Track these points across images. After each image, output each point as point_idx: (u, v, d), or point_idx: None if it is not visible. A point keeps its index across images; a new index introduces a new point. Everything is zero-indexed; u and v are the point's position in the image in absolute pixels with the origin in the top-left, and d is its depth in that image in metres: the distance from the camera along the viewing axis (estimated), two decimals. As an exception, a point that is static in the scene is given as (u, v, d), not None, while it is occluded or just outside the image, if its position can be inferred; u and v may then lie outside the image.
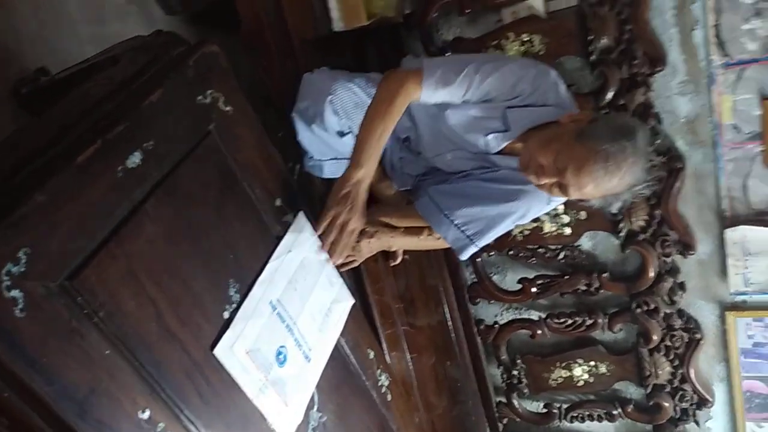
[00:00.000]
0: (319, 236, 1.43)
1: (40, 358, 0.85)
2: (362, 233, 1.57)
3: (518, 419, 2.49)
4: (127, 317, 0.97)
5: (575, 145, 1.29)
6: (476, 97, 1.48)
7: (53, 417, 0.88)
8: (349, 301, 1.54)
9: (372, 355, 1.61)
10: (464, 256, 1.62)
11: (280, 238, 1.32)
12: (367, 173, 1.42)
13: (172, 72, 1.07)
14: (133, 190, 0.99)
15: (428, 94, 1.46)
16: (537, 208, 1.56)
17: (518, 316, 2.39)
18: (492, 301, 2.38)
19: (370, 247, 1.64)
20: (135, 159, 0.99)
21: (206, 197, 1.14)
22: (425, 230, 1.68)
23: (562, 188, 1.34)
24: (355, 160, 1.43)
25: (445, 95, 1.47)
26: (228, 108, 1.17)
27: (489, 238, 1.59)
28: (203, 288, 1.12)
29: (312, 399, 1.37)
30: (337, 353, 1.47)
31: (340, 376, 1.48)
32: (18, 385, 0.85)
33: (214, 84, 1.14)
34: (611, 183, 1.30)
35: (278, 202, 1.31)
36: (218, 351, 1.13)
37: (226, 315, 1.16)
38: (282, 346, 1.29)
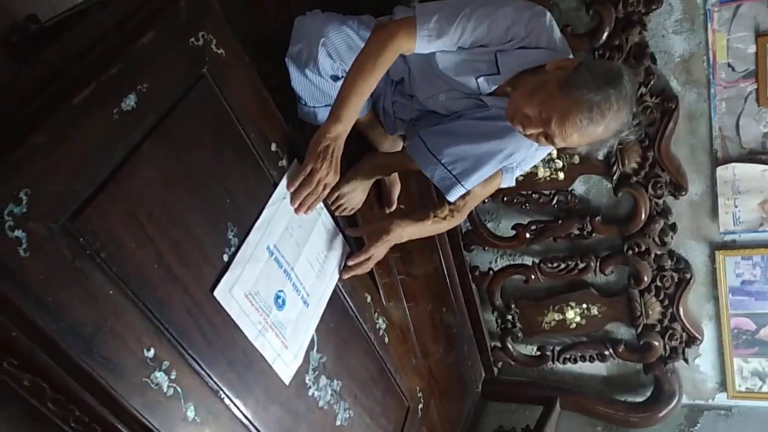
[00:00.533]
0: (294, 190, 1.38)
1: (46, 297, 0.87)
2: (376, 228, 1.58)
3: (512, 362, 2.56)
4: (128, 258, 0.99)
5: (559, 96, 1.29)
6: (469, 43, 1.47)
7: (61, 354, 0.91)
8: (344, 248, 1.56)
9: (369, 299, 1.64)
10: (452, 197, 1.61)
11: (275, 184, 1.33)
12: (345, 128, 1.38)
13: (164, 14, 1.05)
14: (129, 133, 0.99)
15: (422, 45, 1.45)
16: (525, 148, 1.56)
17: (512, 262, 2.43)
18: (486, 248, 2.41)
19: (386, 247, 1.62)
20: (130, 101, 0.98)
21: (202, 140, 1.14)
22: (431, 215, 1.65)
23: (548, 138, 1.34)
24: (334, 113, 1.38)
25: (439, 45, 1.46)
26: (221, 50, 1.16)
27: (476, 179, 1.57)
28: (202, 230, 1.13)
29: (312, 340, 1.40)
30: (335, 296, 1.50)
31: (339, 319, 1.51)
32: (26, 324, 0.87)
33: (206, 26, 1.13)
34: (596, 132, 1.31)
35: (273, 147, 1.32)
36: (218, 293, 1.16)
37: (225, 258, 1.17)
38: (280, 291, 1.32)
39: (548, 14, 1.46)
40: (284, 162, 1.35)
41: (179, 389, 1.07)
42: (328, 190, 1.40)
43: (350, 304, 1.56)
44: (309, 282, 1.40)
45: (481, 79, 1.50)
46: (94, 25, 1.09)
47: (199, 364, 1.11)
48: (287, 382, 1.33)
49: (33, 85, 0.95)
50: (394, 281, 2.02)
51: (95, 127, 0.94)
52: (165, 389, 1.05)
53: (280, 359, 1.31)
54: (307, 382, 1.38)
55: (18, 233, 0.83)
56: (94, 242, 0.93)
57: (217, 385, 1.16)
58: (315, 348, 1.41)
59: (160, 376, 1.04)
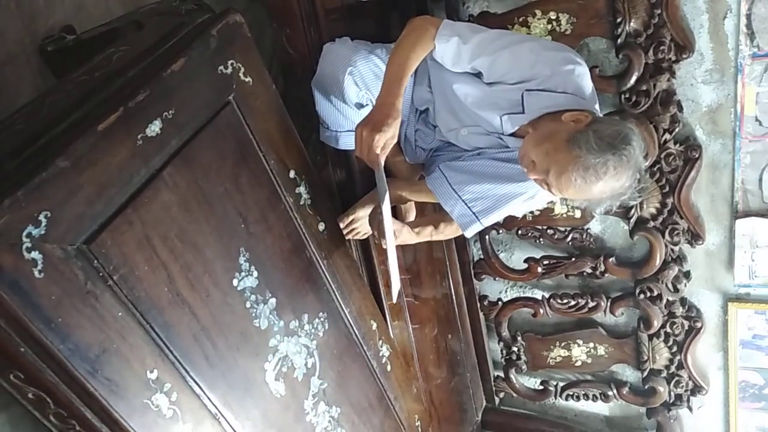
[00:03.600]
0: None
1: (56, 317, 0.89)
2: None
3: (515, 394, 2.54)
4: (140, 281, 1.00)
5: (563, 150, 1.31)
6: (487, 68, 1.47)
7: (66, 373, 0.93)
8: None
9: (375, 326, 1.65)
10: (469, 233, 1.64)
11: (291, 209, 1.34)
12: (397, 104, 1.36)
13: (195, 41, 1.07)
14: (151, 158, 1.01)
15: (442, 42, 1.46)
16: (545, 191, 1.57)
17: (522, 294, 2.42)
18: (497, 278, 2.40)
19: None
20: (155, 127, 1.00)
21: (222, 166, 1.15)
22: (430, 227, 1.70)
23: (548, 186, 1.37)
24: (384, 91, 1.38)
25: (456, 48, 1.46)
26: (248, 79, 1.17)
27: (495, 218, 1.60)
28: (214, 255, 1.14)
29: (314, 366, 1.41)
30: (341, 323, 1.51)
31: (342, 346, 1.52)
32: (34, 342, 0.89)
33: (236, 54, 1.14)
34: (590, 191, 1.32)
35: (292, 174, 1.33)
36: None
37: (235, 282, 1.19)
38: None
39: (579, 67, 1.44)
40: (301, 189, 1.36)
41: (179, 411, 1.09)
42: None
43: (355, 331, 1.56)
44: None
45: (505, 118, 1.50)
46: (127, 46, 1.10)
47: (200, 387, 1.13)
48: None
49: (62, 106, 0.97)
50: (401, 302, 2.03)
51: (119, 152, 0.95)
52: (165, 411, 1.06)
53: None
54: (305, 408, 1.39)
55: (34, 254, 0.85)
56: (107, 265, 0.95)
57: (216, 408, 1.17)
58: (316, 374, 1.42)
59: (160, 397, 1.05)
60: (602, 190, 1.32)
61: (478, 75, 1.53)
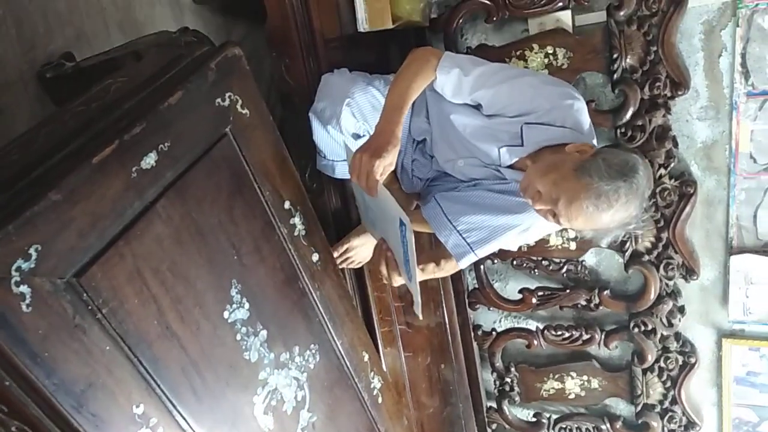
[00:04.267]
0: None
1: (42, 352, 0.87)
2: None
3: (507, 425, 2.52)
4: (129, 315, 0.99)
5: (572, 178, 1.30)
6: (488, 100, 1.48)
7: (50, 408, 0.90)
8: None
9: (367, 357, 1.63)
10: (463, 264, 1.63)
11: (285, 240, 1.34)
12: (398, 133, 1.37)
13: (194, 75, 1.06)
14: (145, 191, 1.00)
15: (444, 73, 1.48)
16: (542, 223, 1.57)
17: (516, 325, 2.41)
18: (491, 308, 2.39)
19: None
20: (150, 160, 0.99)
21: (217, 198, 1.15)
22: (432, 264, 1.68)
23: (555, 217, 1.36)
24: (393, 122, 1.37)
25: (457, 79, 1.48)
26: (245, 111, 1.17)
27: (489, 249, 1.60)
28: (206, 287, 1.13)
29: (304, 399, 1.39)
30: (332, 355, 1.49)
31: (333, 378, 1.50)
32: (18, 376, 0.87)
33: (233, 87, 1.14)
34: (601, 220, 1.31)
35: (287, 205, 1.32)
36: None
37: (226, 315, 1.17)
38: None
39: (577, 102, 1.46)
40: (296, 219, 1.36)
41: (164, 446, 1.07)
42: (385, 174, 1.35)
43: (347, 362, 1.54)
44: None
45: (503, 150, 1.51)
46: (125, 77, 1.10)
47: (186, 422, 1.11)
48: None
49: (59, 136, 0.97)
50: (394, 330, 2.02)
51: (113, 185, 0.94)
52: (150, 446, 1.04)
53: None
54: (294, 442, 1.37)
55: (23, 288, 0.84)
56: (97, 298, 0.93)
57: (203, 443, 1.15)
58: (306, 407, 1.40)
59: (146, 432, 1.03)
60: (612, 219, 1.31)
61: (477, 107, 1.54)
